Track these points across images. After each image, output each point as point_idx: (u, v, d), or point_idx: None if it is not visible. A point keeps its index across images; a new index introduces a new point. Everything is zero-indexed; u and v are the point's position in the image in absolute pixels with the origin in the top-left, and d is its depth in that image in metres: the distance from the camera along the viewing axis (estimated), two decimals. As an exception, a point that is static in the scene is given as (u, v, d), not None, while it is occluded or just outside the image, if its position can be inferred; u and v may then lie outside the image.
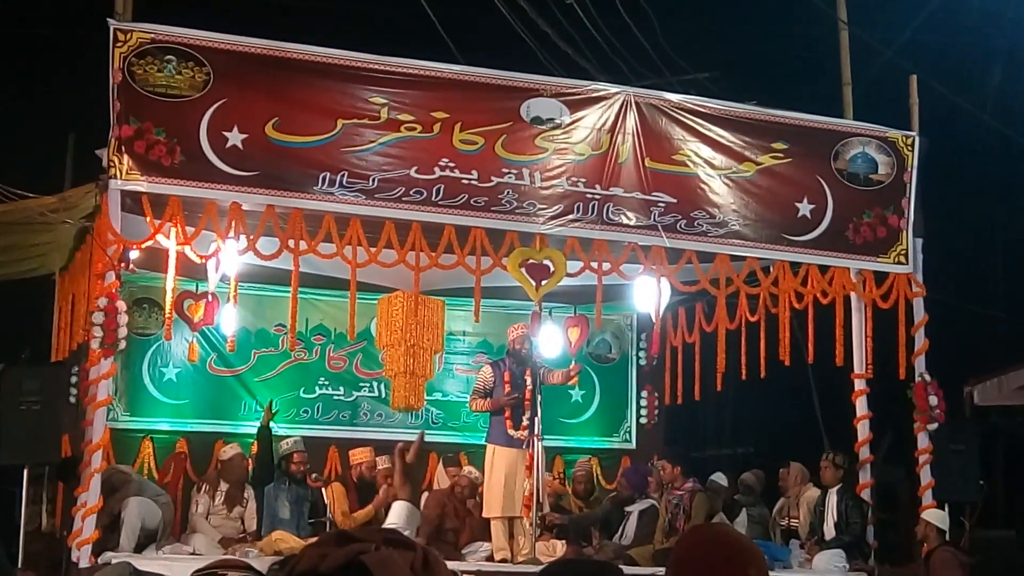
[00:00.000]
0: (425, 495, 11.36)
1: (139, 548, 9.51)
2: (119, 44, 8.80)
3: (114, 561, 8.73)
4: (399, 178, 9.38)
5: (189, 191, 8.98)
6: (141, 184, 8.83)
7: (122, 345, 8.96)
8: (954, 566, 9.80)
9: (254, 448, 10.80)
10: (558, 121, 9.76)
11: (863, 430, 10.71)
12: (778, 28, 15.28)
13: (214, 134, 8.98)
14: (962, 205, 15.96)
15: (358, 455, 11.21)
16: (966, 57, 15.82)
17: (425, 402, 11.97)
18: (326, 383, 12.32)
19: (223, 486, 10.54)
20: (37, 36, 14.74)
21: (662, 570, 2.85)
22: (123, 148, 8.76)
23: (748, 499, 11.45)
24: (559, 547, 10.81)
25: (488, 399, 10.69)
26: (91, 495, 8.72)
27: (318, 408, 12.25)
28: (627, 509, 11.16)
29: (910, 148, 10.67)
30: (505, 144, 9.65)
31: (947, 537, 10.12)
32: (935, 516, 10.14)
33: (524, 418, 10.39)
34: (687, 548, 2.86)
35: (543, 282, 9.78)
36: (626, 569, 7.20)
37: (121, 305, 8.84)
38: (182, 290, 10.60)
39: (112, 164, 8.76)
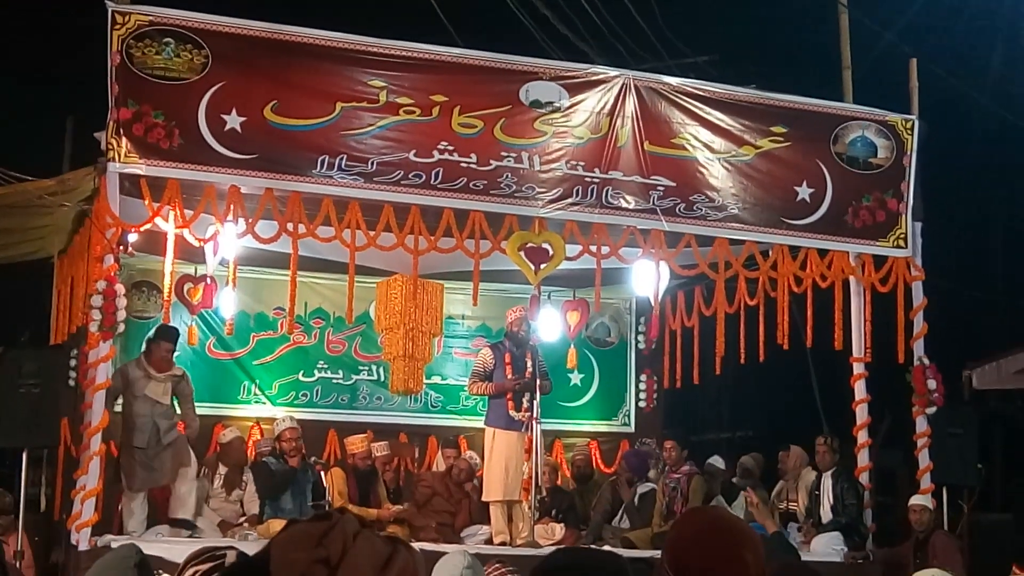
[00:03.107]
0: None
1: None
2: (117, 26, 8.77)
3: (113, 545, 8.74)
4: (398, 161, 9.36)
5: (188, 174, 8.96)
6: (139, 167, 8.82)
7: (121, 328, 8.95)
8: (954, 549, 9.80)
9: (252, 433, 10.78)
10: (557, 104, 9.74)
11: (861, 414, 10.71)
12: (778, 11, 15.27)
13: (212, 117, 8.96)
14: (962, 189, 15.97)
15: (353, 445, 11.15)
16: (966, 41, 15.79)
17: (424, 385, 11.96)
18: (325, 367, 12.32)
19: (222, 469, 10.56)
20: (36, 19, 14.71)
21: (660, 553, 2.85)
22: (121, 131, 8.74)
23: (747, 482, 11.44)
24: (558, 530, 10.84)
25: (489, 382, 10.68)
26: (90, 478, 8.72)
27: (317, 391, 12.26)
28: (626, 492, 11.17)
29: (910, 132, 10.65)
30: (504, 128, 9.63)
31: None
32: (925, 499, 10.15)
33: (525, 400, 10.39)
34: (683, 531, 2.86)
35: (542, 266, 9.77)
36: (624, 553, 7.21)
37: (120, 288, 8.83)
38: (181, 273, 10.61)
39: (110, 147, 8.74)
